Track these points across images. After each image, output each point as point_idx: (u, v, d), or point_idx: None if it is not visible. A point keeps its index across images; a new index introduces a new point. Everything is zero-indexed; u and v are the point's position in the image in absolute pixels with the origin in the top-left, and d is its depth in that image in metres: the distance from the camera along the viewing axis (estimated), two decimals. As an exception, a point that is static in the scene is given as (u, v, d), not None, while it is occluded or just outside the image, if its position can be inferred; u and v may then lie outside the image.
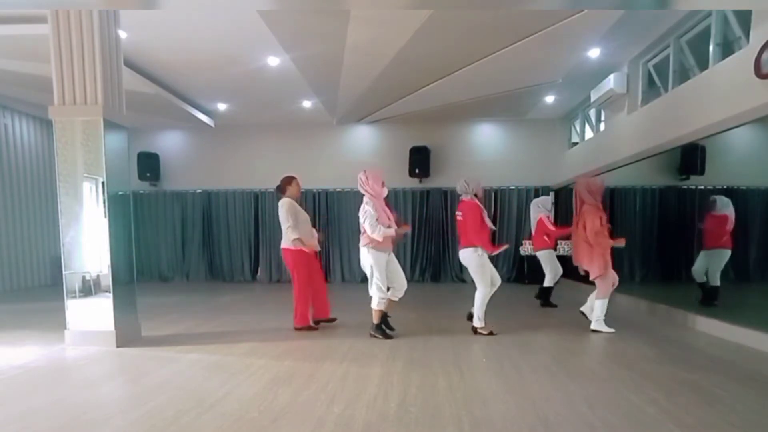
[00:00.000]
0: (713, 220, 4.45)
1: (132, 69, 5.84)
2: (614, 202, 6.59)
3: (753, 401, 2.51)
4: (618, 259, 6.53)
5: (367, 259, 3.89)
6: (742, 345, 3.67)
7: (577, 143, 8.20)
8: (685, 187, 5.03)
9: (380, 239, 3.79)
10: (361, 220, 3.88)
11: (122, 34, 4.19)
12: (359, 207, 3.98)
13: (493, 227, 3.99)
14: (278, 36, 5.07)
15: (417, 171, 8.37)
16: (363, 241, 3.90)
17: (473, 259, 4.00)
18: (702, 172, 4.73)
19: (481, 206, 4.03)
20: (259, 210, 8.87)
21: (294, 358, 3.40)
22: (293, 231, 4.08)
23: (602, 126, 7.26)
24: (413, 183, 8.64)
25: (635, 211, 5.95)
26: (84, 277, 3.85)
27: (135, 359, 3.44)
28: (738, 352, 3.51)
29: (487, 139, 8.79)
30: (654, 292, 5.40)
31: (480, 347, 3.68)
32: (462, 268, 8.66)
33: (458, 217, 4.13)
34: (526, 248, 7.64)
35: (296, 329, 4.32)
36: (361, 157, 8.81)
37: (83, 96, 3.70)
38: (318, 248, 4.45)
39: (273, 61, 5.79)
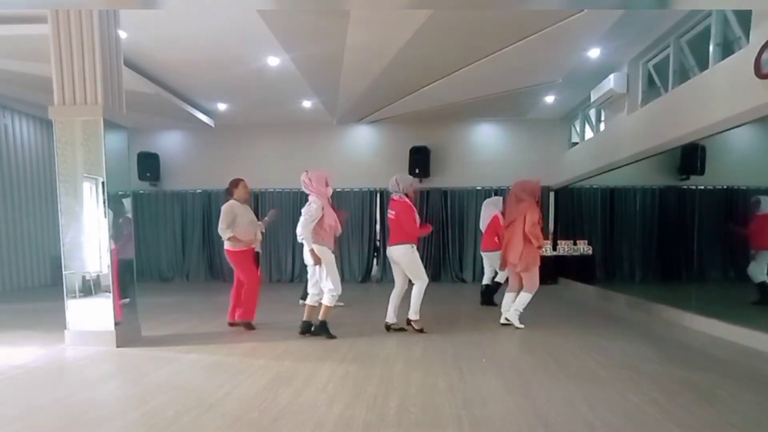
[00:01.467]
0: (760, 220, 4.42)
1: (132, 69, 5.83)
2: (614, 202, 6.61)
3: (753, 401, 2.51)
4: (618, 259, 6.60)
5: (312, 253, 3.89)
6: (742, 345, 3.68)
7: (577, 143, 8.20)
8: (685, 187, 5.03)
9: (300, 236, 3.90)
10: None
11: (122, 34, 4.19)
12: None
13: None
14: (278, 36, 5.07)
15: (417, 171, 8.36)
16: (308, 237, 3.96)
17: (408, 255, 4.10)
18: (702, 172, 4.73)
19: (413, 206, 4.17)
20: (258, 210, 8.81)
21: (294, 358, 3.40)
22: (224, 232, 4.23)
23: (602, 126, 7.26)
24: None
25: (635, 211, 5.95)
26: (84, 277, 3.85)
27: (135, 359, 3.44)
28: (738, 352, 3.51)
29: (487, 139, 8.79)
30: (654, 292, 5.40)
31: (480, 347, 3.68)
32: (462, 268, 8.71)
33: (390, 215, 4.20)
34: None
35: (232, 324, 4.44)
36: (361, 157, 8.83)
37: (83, 96, 3.70)
38: (258, 250, 4.57)
39: (273, 61, 5.79)
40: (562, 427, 2.17)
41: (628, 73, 5.92)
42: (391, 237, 4.21)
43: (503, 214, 5.05)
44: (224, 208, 4.31)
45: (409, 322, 4.20)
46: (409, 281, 4.23)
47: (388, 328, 4.26)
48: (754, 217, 4.43)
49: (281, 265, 8.79)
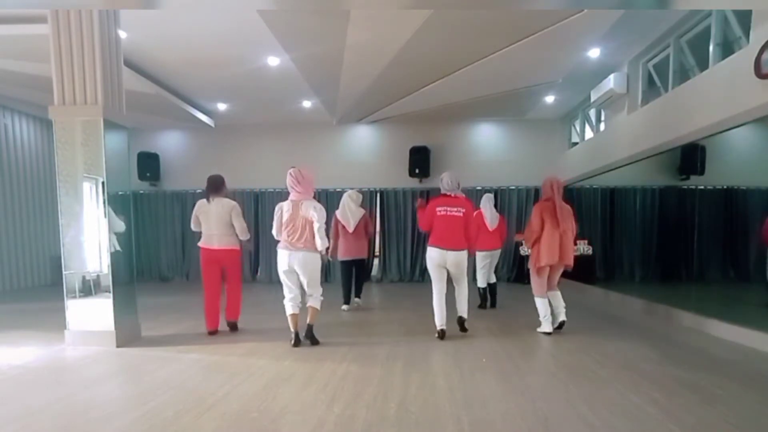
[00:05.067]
0: None
1: (132, 69, 5.84)
2: (614, 202, 6.61)
3: (753, 401, 2.51)
4: (618, 259, 6.60)
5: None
6: (742, 345, 3.68)
7: (577, 143, 8.20)
8: (685, 187, 5.04)
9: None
10: None
11: (122, 34, 4.19)
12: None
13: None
14: (278, 36, 5.07)
15: (417, 171, 8.37)
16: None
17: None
18: (702, 172, 4.73)
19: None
20: (259, 210, 8.87)
21: (294, 358, 3.40)
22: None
23: (602, 126, 7.26)
24: (413, 183, 8.64)
25: (635, 211, 5.95)
26: (84, 277, 3.85)
27: (135, 359, 3.44)
28: (738, 352, 3.51)
29: (487, 139, 8.79)
30: (654, 292, 5.40)
31: (480, 347, 3.68)
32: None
33: (456, 213, 3.89)
34: (525, 248, 7.64)
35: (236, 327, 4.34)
36: (361, 157, 8.83)
37: (83, 96, 3.70)
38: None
39: (273, 61, 5.79)
40: (562, 427, 2.17)
41: (628, 73, 5.92)
42: (453, 239, 3.86)
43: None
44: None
45: (463, 321, 4.06)
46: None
47: (443, 334, 3.94)
48: None
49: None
